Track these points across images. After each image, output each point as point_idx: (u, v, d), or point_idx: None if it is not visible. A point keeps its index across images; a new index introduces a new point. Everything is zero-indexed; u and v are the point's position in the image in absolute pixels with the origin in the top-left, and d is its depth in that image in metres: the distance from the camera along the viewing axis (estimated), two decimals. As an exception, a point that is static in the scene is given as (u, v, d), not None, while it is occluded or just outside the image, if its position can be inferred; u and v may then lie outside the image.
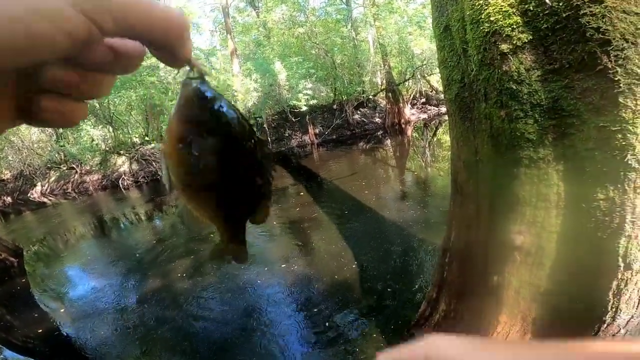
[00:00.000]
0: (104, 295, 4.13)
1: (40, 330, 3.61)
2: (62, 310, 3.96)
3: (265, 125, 12.09)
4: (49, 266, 5.50)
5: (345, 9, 14.68)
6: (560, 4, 1.00)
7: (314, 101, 12.03)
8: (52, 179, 12.91)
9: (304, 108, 11.67)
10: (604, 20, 0.93)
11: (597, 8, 0.94)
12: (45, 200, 11.52)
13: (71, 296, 4.33)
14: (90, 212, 8.52)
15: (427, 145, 8.56)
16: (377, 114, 14.02)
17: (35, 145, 13.64)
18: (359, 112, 13.88)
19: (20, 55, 0.19)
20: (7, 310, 4.19)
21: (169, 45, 0.24)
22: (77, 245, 6.35)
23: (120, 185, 10.97)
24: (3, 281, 5.06)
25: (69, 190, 12.09)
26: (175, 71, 14.20)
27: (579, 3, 0.96)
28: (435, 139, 9.09)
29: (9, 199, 12.52)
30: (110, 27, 0.21)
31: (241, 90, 11.71)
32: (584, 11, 0.96)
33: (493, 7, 1.15)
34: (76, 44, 0.21)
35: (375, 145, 10.33)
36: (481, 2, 1.19)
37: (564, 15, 1.00)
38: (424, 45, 12.11)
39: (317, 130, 12.75)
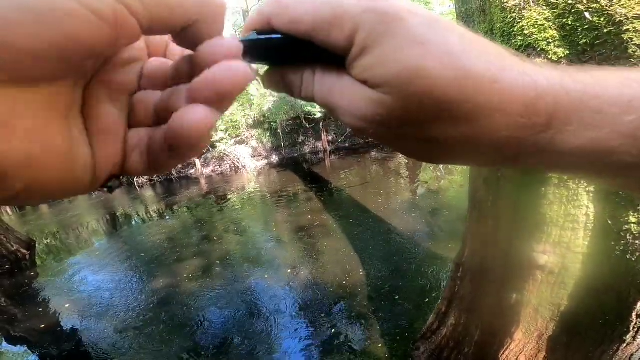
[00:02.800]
0: (110, 292, 4.17)
1: (43, 325, 3.66)
2: (67, 306, 4.01)
3: (279, 130, 12.17)
4: (60, 260, 5.59)
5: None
6: (602, 20, 0.98)
7: (329, 109, 12.06)
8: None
9: (319, 115, 11.73)
10: (646, 36, 0.91)
11: (641, 25, 0.92)
12: (61, 194, 11.73)
13: (78, 291, 4.39)
14: (104, 208, 8.67)
15: (441, 158, 8.48)
16: (391, 124, 13.98)
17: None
18: (373, 121, 13.87)
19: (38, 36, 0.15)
20: (14, 303, 4.26)
21: (203, 28, 0.21)
22: (88, 240, 6.45)
23: (135, 183, 11.15)
24: (13, 273, 5.16)
25: (85, 185, 12.31)
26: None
27: (621, 19, 0.94)
28: (449, 152, 9.00)
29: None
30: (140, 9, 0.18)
31: (257, 94, 11.85)
32: (627, 27, 0.94)
33: (528, 20, 1.14)
34: (112, 29, 0.17)
35: (387, 155, 10.29)
36: (514, 14, 1.18)
37: (605, 31, 0.98)
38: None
39: (330, 138, 12.78)
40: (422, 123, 0.21)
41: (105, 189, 0.23)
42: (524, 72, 0.21)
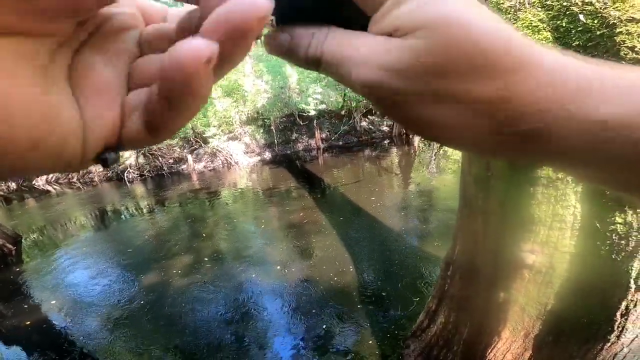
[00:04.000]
0: (98, 288, 4.12)
1: (29, 322, 3.59)
2: (53, 302, 3.94)
3: (272, 127, 12.12)
4: (47, 256, 5.49)
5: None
6: (595, 22, 0.99)
7: (323, 106, 12.07)
8: (58, 167, 12.95)
9: (313, 112, 11.71)
10: (639, 39, 0.92)
11: (634, 27, 0.93)
12: (49, 188, 11.57)
13: (65, 288, 4.32)
14: (93, 203, 8.54)
15: (433, 157, 8.54)
16: (384, 123, 14.02)
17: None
18: (367, 119, 13.90)
19: None
20: (-1, 299, 4.18)
21: None
22: (76, 235, 6.35)
23: (125, 178, 11.02)
24: (-1, 269, 5.06)
25: (74, 179, 12.15)
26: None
27: (615, 22, 0.95)
28: (441, 151, 9.07)
29: (13, 185, 12.59)
30: None
31: (252, 90, 11.77)
32: (620, 29, 0.95)
33: (522, 22, 1.14)
34: None
35: (381, 154, 10.33)
36: (509, 16, 1.18)
37: (598, 33, 0.99)
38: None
39: (323, 135, 12.77)
40: (454, 74, 0.19)
41: (100, 162, 0.20)
42: (550, 50, 0.20)
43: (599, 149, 0.20)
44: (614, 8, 0.95)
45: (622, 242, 1.18)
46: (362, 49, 0.21)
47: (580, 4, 1.02)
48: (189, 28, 0.20)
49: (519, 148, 0.22)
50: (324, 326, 2.97)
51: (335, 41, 0.22)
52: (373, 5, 0.21)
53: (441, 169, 7.86)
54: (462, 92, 0.20)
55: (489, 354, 1.78)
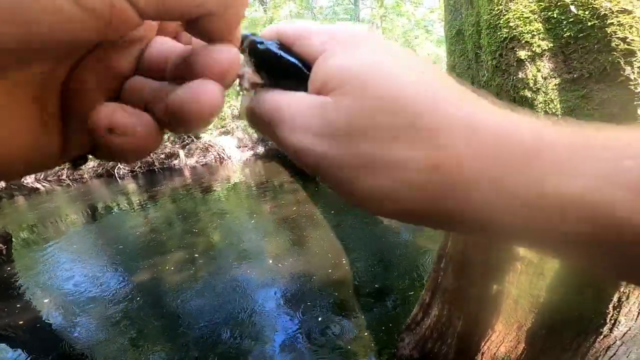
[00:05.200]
0: (91, 286, 4.08)
1: (22, 322, 3.54)
2: (46, 300, 3.89)
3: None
4: (38, 254, 5.41)
5: (353, 9, 14.70)
6: (587, 13, 0.98)
7: (315, 99, 12.02)
8: (47, 164, 12.76)
9: (305, 106, 11.66)
10: (631, 30, 0.91)
11: (626, 18, 0.92)
12: (39, 186, 11.39)
13: (57, 286, 4.26)
14: (83, 200, 8.43)
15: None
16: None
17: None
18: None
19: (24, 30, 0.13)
20: (-10, 299, 4.11)
21: (218, 20, 0.18)
22: (67, 233, 6.27)
23: (116, 174, 10.88)
24: (-11, 268, 4.97)
25: (64, 177, 11.98)
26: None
27: (606, 12, 0.95)
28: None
29: (2, 184, 12.37)
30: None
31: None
32: (611, 21, 0.94)
33: (513, 13, 1.13)
34: (100, 21, 0.14)
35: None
36: (501, 7, 1.16)
37: (589, 24, 0.98)
38: (430, 49, 12.14)
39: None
40: (379, 136, 0.17)
41: (70, 164, 0.22)
42: (494, 107, 0.18)
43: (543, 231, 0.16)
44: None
45: (614, 233, 1.18)
46: (292, 109, 0.19)
47: (571, -5, 1.01)
48: (180, 72, 0.21)
49: (452, 223, 0.19)
50: (319, 319, 2.98)
51: (271, 98, 0.21)
52: (310, 59, 0.20)
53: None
54: (392, 156, 0.17)
55: (483, 346, 1.80)
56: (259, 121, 0.21)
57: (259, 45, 0.22)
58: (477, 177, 0.16)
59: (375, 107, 0.17)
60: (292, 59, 0.21)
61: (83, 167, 11.86)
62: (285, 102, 0.20)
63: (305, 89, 0.20)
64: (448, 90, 0.18)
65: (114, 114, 0.18)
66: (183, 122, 0.19)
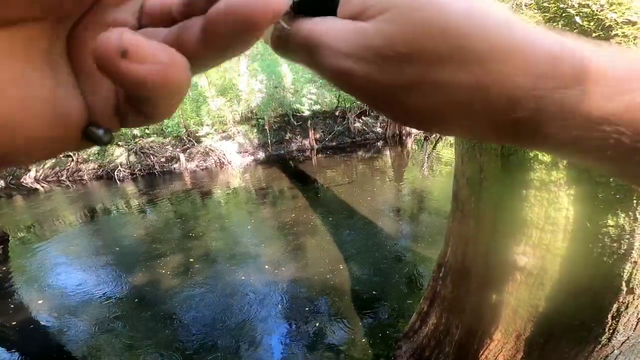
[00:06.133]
0: (86, 288, 4.05)
1: (15, 322, 3.51)
2: (40, 302, 3.86)
3: (266, 127, 12.08)
4: (34, 254, 5.39)
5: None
6: (591, 24, 0.99)
7: (317, 106, 12.07)
8: (47, 165, 12.77)
9: (307, 113, 11.70)
10: (635, 41, 0.92)
11: (630, 29, 0.93)
12: (38, 186, 11.38)
13: (52, 287, 4.24)
14: (82, 202, 8.42)
15: (425, 159, 8.60)
16: (378, 124, 14.07)
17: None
18: (360, 120, 13.93)
19: None
20: (-16, 299, 4.07)
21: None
22: (64, 234, 6.24)
23: (115, 177, 10.88)
24: (-15, 268, 4.94)
25: (63, 177, 11.97)
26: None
27: (611, 24, 0.96)
28: (434, 153, 9.12)
29: (1, 183, 12.36)
30: None
31: (246, 90, 11.72)
32: (616, 32, 0.95)
33: (517, 23, 1.14)
34: None
35: (374, 155, 10.35)
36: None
37: (594, 35, 0.99)
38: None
39: (317, 136, 12.77)
40: (425, 60, 0.17)
41: (97, 140, 0.19)
42: (545, 31, 0.18)
43: (598, 142, 0.18)
44: (610, 10, 0.95)
45: (614, 244, 1.18)
46: (329, 34, 0.19)
47: (576, 6, 1.02)
48: (197, 7, 0.18)
49: (512, 135, 0.20)
50: (316, 325, 2.96)
51: (307, 27, 0.20)
52: None
53: (434, 170, 7.90)
54: (439, 80, 0.18)
55: (481, 355, 1.78)
56: (295, 48, 0.20)
57: None
58: (539, 94, 0.17)
59: (423, 33, 0.17)
60: None
61: (83, 168, 11.87)
62: (323, 28, 0.19)
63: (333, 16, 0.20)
64: (496, 15, 0.18)
65: (124, 33, 0.15)
66: (237, 30, 0.16)
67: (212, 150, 11.72)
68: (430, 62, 0.17)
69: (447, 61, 0.17)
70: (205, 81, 14.03)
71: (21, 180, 12.32)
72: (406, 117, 0.20)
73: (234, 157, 11.67)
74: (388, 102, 0.20)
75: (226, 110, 12.27)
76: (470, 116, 0.19)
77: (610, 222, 1.16)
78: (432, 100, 0.19)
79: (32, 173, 12.54)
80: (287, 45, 0.21)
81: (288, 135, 12.70)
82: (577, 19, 1.02)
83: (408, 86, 0.18)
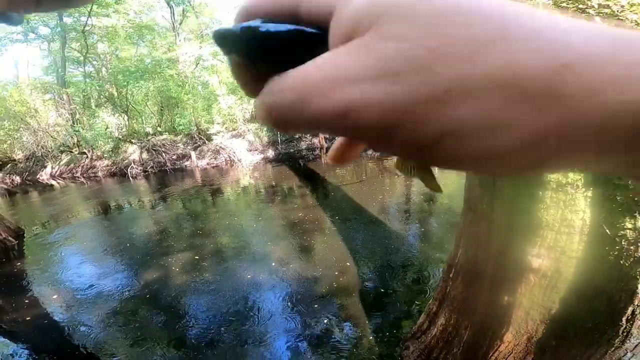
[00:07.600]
0: (99, 283, 4.12)
1: (29, 317, 3.59)
2: (54, 297, 3.95)
3: (276, 126, 12.13)
4: (48, 250, 5.51)
5: None
6: (612, 25, 0.97)
7: (327, 105, 12.06)
8: (63, 161, 13.06)
9: (316, 111, 11.70)
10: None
11: None
12: (53, 182, 11.64)
13: (66, 282, 4.33)
14: (96, 198, 8.58)
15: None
16: (388, 123, 14.00)
17: (51, 129, 13.69)
18: (370, 119, 13.88)
19: None
20: (0, 293, 4.18)
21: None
22: (78, 230, 6.37)
23: (129, 174, 11.06)
24: (0, 263, 5.05)
25: (78, 174, 12.22)
26: (193, 65, 14.08)
27: (631, 25, 0.94)
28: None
29: (17, 179, 12.68)
30: None
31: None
32: (636, 31, 0.92)
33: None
34: None
35: (384, 154, 10.30)
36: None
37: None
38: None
39: (327, 134, 12.77)
40: (450, 56, 0.13)
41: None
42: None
43: None
44: (630, 11, 0.93)
45: (632, 247, 1.16)
46: (325, 68, 0.15)
47: (596, 6, 1.01)
48: None
49: (622, 149, 0.13)
50: (324, 324, 2.97)
51: (292, 75, 0.16)
52: (325, 14, 0.16)
53: (444, 170, 7.83)
54: (471, 77, 0.13)
55: (491, 357, 1.77)
56: (282, 110, 0.16)
57: (259, 29, 0.17)
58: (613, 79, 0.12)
59: (436, 26, 0.13)
60: (293, 27, 0.17)
61: (97, 165, 12.07)
62: (310, 68, 0.15)
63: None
64: (518, 6, 0.14)
65: None
66: None
67: (223, 148, 11.81)
68: (458, 59, 0.13)
69: (481, 51, 0.13)
70: (216, 80, 14.11)
71: (37, 176, 12.61)
72: (465, 151, 0.14)
73: (244, 155, 11.74)
74: (420, 135, 0.14)
75: (236, 108, 12.35)
76: (546, 125, 0.13)
77: (628, 225, 1.14)
78: (492, 106, 0.13)
79: (48, 169, 12.83)
80: (271, 110, 0.17)
81: (297, 134, 12.73)
82: (597, 19, 1.01)
83: (449, 93, 0.13)
